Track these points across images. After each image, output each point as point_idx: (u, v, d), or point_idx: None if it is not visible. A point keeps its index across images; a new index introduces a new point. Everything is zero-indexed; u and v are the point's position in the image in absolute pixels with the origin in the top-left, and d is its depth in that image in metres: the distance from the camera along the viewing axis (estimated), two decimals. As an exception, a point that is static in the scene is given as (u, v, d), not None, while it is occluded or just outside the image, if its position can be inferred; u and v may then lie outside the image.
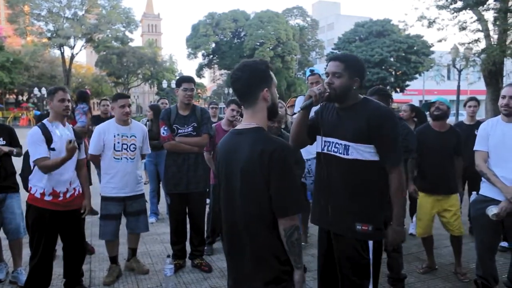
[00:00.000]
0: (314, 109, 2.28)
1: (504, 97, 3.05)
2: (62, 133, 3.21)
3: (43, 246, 3.14)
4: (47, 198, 3.15)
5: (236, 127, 1.87)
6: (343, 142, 2.19)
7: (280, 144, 1.72)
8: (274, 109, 1.85)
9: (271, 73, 1.83)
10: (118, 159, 3.68)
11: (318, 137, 2.33)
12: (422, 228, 3.83)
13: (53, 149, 3.14)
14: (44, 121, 3.26)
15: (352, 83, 2.19)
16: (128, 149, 3.72)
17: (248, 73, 1.77)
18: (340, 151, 2.20)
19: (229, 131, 1.92)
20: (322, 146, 2.30)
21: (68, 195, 3.24)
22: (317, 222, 2.41)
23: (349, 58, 2.25)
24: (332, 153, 2.24)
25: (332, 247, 2.31)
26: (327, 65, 2.28)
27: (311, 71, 4.35)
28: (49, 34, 41.62)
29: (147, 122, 5.98)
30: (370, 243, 2.19)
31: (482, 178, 3.18)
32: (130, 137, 3.74)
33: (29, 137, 3.14)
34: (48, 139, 3.14)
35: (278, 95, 1.89)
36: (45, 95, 3.37)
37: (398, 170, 2.18)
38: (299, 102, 4.53)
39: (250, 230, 1.74)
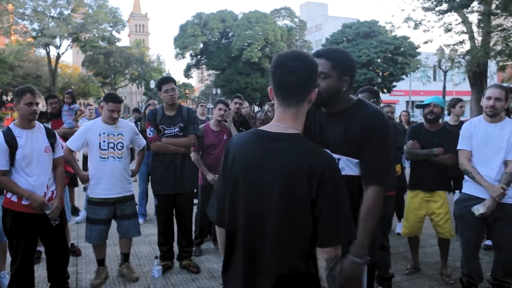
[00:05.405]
0: None
1: (489, 98, 3.07)
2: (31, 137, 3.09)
3: (22, 250, 3.05)
4: (24, 202, 3.05)
5: (267, 129, 1.49)
6: (335, 156, 1.85)
7: (329, 158, 1.45)
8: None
9: None
10: (105, 158, 3.61)
11: None
12: (407, 228, 3.85)
13: (21, 155, 3.00)
14: (11, 125, 3.11)
15: (341, 84, 1.86)
16: (115, 147, 3.65)
17: (307, 67, 1.45)
18: None
19: (253, 131, 1.56)
20: None
21: (46, 198, 3.14)
22: None
23: (337, 55, 1.89)
24: None
25: None
26: None
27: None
28: (34, 33, 40.89)
29: (136, 123, 5.94)
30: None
31: (465, 177, 3.23)
32: (117, 135, 3.67)
33: None
34: (13, 146, 2.98)
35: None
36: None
37: (378, 189, 1.85)
38: None
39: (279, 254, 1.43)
